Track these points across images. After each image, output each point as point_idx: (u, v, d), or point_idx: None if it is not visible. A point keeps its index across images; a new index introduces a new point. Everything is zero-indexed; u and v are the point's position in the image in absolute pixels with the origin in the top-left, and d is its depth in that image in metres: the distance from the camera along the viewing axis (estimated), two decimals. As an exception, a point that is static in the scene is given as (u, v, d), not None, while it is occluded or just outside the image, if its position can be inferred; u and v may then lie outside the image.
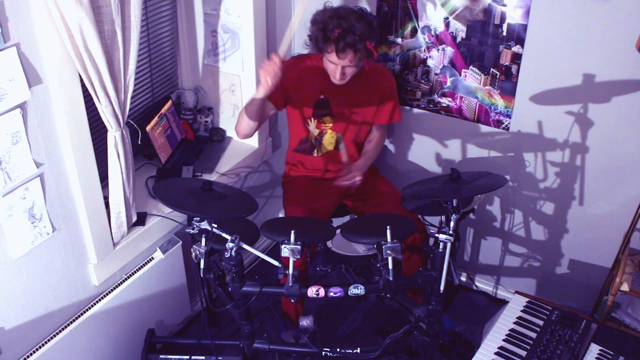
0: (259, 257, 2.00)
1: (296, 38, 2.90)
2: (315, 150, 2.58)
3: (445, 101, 2.66)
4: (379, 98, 2.51)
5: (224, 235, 1.95)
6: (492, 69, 2.47)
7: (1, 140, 1.73)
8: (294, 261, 2.01)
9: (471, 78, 2.55)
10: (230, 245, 1.94)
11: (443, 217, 2.05)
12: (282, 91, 2.44)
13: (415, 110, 2.76)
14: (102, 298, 2.28)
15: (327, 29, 2.19)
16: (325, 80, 2.40)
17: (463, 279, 3.10)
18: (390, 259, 2.02)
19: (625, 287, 2.27)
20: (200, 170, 2.66)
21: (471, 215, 2.83)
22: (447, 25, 2.49)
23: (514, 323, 2.18)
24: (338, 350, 2.19)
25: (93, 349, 2.30)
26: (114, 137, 2.04)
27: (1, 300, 1.92)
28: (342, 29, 2.17)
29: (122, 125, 2.05)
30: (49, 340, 2.10)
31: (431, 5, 2.48)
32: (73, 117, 1.91)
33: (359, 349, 2.20)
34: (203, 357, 2.34)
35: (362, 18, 2.22)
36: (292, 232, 1.99)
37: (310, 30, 2.30)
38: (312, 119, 2.50)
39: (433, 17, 2.50)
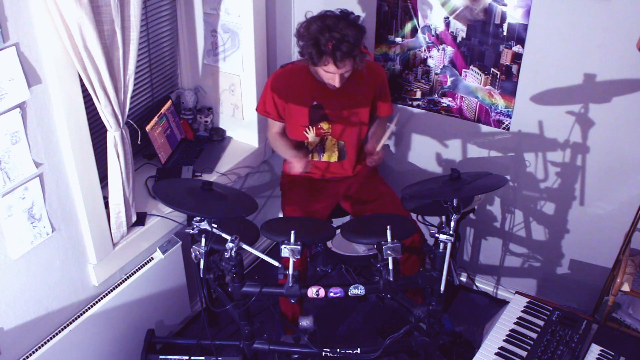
0: (259, 257, 2.00)
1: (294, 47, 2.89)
2: (311, 155, 2.56)
3: (445, 101, 2.66)
4: (372, 94, 2.48)
5: (223, 235, 1.94)
6: (492, 69, 2.47)
7: (0, 140, 1.73)
8: (294, 261, 2.01)
9: (471, 78, 2.54)
10: (230, 245, 1.94)
11: (443, 217, 2.05)
12: (275, 106, 2.44)
13: (416, 110, 2.75)
14: (102, 298, 2.28)
15: (319, 43, 2.14)
16: (315, 85, 2.39)
17: (463, 279, 3.10)
18: (390, 259, 2.02)
19: (626, 288, 2.27)
20: (200, 170, 2.65)
21: (471, 216, 2.83)
22: (448, 24, 2.48)
23: (515, 323, 2.17)
24: (338, 350, 2.19)
25: (93, 349, 2.30)
26: (114, 137, 2.04)
27: (1, 300, 1.92)
28: (335, 40, 2.12)
29: (121, 125, 2.04)
30: (48, 340, 2.10)
31: (431, 4, 2.48)
32: (72, 117, 1.91)
33: (359, 349, 2.19)
34: (203, 358, 2.34)
35: (350, 23, 2.17)
36: (292, 232, 1.99)
37: (299, 46, 2.24)
38: (310, 127, 2.49)
39: (433, 16, 2.49)
